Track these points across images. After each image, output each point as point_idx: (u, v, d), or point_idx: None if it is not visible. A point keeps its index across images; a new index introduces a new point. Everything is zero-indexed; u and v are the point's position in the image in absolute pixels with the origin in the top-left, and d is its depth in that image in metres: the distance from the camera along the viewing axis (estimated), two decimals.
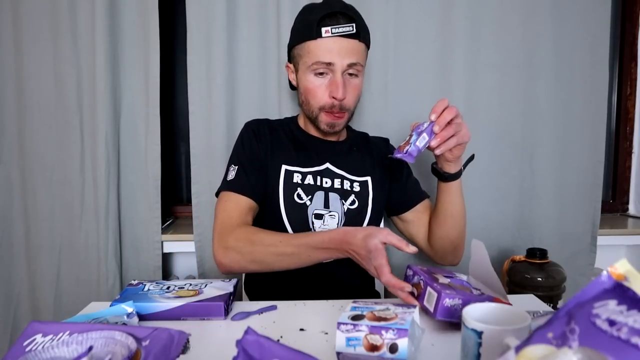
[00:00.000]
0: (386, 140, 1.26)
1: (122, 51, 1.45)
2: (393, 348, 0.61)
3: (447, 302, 0.73)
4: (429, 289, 0.77)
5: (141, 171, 1.47)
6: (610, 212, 1.82)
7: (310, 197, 1.07)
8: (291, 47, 1.08)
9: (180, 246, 1.54)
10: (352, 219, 1.09)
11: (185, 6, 1.43)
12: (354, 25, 0.99)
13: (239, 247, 0.95)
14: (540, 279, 1.33)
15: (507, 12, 1.48)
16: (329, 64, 1.00)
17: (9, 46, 1.43)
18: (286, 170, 1.09)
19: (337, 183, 1.10)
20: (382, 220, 1.27)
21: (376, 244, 0.81)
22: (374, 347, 0.62)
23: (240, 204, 1.03)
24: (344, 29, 0.99)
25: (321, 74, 1.02)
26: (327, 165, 1.12)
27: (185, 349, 0.56)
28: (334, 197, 1.08)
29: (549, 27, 1.49)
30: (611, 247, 1.65)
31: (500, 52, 1.49)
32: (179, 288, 0.89)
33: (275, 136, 1.14)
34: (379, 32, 1.45)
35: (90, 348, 0.52)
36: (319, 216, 1.07)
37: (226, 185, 1.06)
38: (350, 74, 1.03)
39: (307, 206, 1.07)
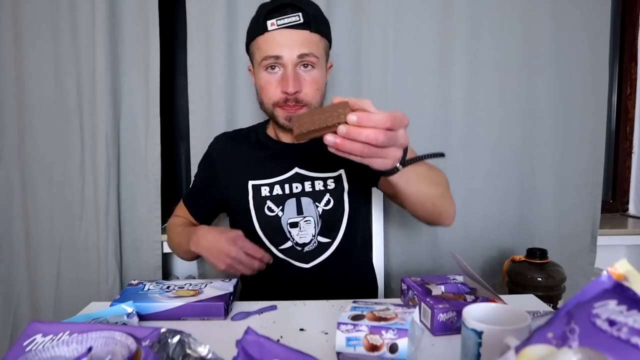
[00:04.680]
0: None
1: (122, 51, 1.45)
2: (393, 348, 0.61)
3: (441, 317, 0.74)
4: (422, 304, 0.78)
5: (141, 171, 1.47)
6: (610, 212, 1.82)
7: (281, 207, 1.05)
8: (247, 47, 1.05)
9: None
10: (329, 219, 1.05)
11: (185, 6, 1.43)
12: (301, 14, 0.94)
13: (168, 233, 1.21)
14: (540, 279, 1.33)
15: (507, 12, 1.48)
16: (278, 57, 0.95)
17: (9, 46, 1.43)
18: (253, 185, 1.07)
19: (307, 186, 1.06)
20: (376, 203, 1.31)
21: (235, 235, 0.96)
22: (374, 347, 0.62)
23: (185, 213, 1.22)
24: (290, 20, 0.94)
25: (272, 68, 0.97)
26: (296, 170, 1.07)
27: None
28: (306, 201, 1.05)
29: (549, 27, 1.49)
30: (611, 247, 1.65)
31: (500, 52, 1.49)
32: (179, 288, 0.89)
33: (240, 152, 1.12)
34: (379, 32, 1.45)
35: (90, 348, 0.52)
36: (294, 224, 1.04)
37: (184, 195, 1.24)
38: (305, 66, 0.97)
39: (279, 217, 1.05)
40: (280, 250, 1.06)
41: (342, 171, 1.07)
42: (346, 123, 0.61)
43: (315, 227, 1.04)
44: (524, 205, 1.55)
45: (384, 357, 0.61)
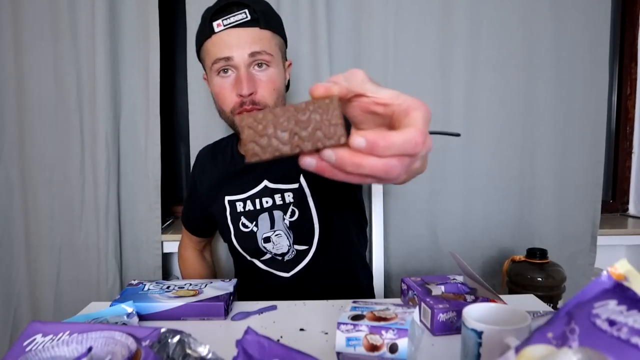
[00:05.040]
0: None
1: (122, 51, 1.45)
2: (393, 348, 0.61)
3: (441, 317, 0.74)
4: (422, 304, 0.78)
5: (141, 171, 1.47)
6: (610, 212, 1.82)
7: (254, 222, 1.03)
8: (198, 55, 0.99)
9: None
10: (299, 228, 1.01)
11: (185, 6, 1.43)
12: (247, 11, 0.88)
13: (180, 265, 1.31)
14: (540, 279, 1.33)
15: (507, 12, 1.48)
16: (228, 58, 0.89)
17: (9, 46, 1.43)
18: (229, 201, 1.05)
19: (278, 199, 1.01)
20: (376, 204, 1.27)
21: None
22: (374, 347, 0.62)
23: (186, 233, 1.27)
24: (236, 18, 0.88)
25: (225, 71, 0.91)
26: (265, 183, 1.02)
27: None
28: (278, 215, 1.02)
29: (549, 27, 1.49)
30: (611, 247, 1.65)
31: (500, 52, 1.49)
32: (179, 288, 0.89)
33: (216, 166, 1.10)
34: (379, 32, 1.45)
35: (90, 348, 0.52)
36: (267, 239, 1.02)
37: (182, 213, 1.27)
38: (259, 65, 0.91)
39: (254, 232, 1.03)
40: (262, 262, 1.05)
41: (300, 176, 1.01)
42: (346, 145, 0.38)
43: (288, 239, 1.02)
44: (524, 205, 1.55)
45: (384, 357, 0.61)
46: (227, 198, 1.05)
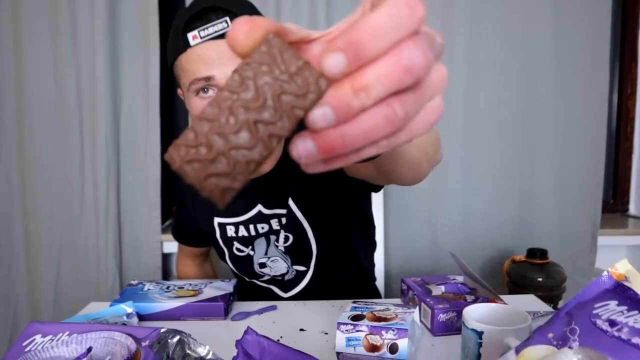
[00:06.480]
0: None
1: (122, 51, 1.45)
2: (393, 348, 0.61)
3: (442, 317, 0.74)
4: (423, 305, 0.78)
5: (141, 171, 1.47)
6: (611, 212, 1.82)
7: (250, 247, 0.96)
8: (170, 67, 0.85)
9: None
10: (296, 253, 0.95)
11: (185, 6, 1.43)
12: (229, 19, 0.73)
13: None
14: (540, 279, 1.33)
15: (507, 12, 1.48)
16: (208, 78, 0.74)
17: (9, 46, 1.43)
18: (219, 223, 0.97)
19: (275, 224, 0.93)
20: (376, 204, 1.24)
21: None
22: (374, 347, 0.62)
23: (180, 248, 1.18)
24: (216, 28, 0.73)
25: (205, 91, 0.76)
26: (259, 208, 0.92)
27: None
28: (274, 239, 0.95)
29: (549, 27, 1.49)
30: (612, 247, 1.65)
31: (500, 52, 1.49)
32: (178, 288, 0.89)
33: None
34: None
35: (90, 349, 0.52)
36: (262, 265, 0.97)
37: (171, 228, 1.18)
38: None
39: (251, 256, 0.97)
40: (262, 281, 1.02)
41: (289, 199, 0.91)
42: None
43: (285, 261, 0.96)
44: (524, 205, 1.55)
45: (384, 357, 0.61)
46: (216, 220, 0.97)
